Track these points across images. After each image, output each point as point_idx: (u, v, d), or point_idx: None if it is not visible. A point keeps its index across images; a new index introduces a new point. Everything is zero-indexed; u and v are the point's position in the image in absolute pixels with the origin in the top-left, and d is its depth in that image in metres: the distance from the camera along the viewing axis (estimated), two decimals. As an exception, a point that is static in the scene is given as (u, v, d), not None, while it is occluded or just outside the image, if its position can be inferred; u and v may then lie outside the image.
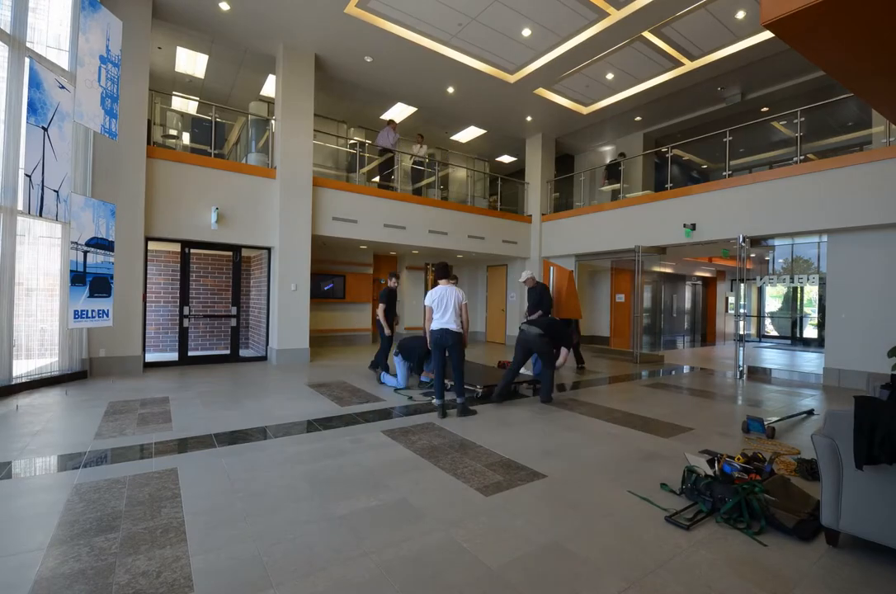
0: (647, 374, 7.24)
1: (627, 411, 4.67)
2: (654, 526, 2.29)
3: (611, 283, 10.72)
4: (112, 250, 5.67)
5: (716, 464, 2.74)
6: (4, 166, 4.65)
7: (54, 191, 4.88)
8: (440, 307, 4.44)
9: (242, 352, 7.73)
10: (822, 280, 6.99)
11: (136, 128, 6.13)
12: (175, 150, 7.21)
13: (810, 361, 8.98)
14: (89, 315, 5.27)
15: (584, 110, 9.55)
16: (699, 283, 13.82)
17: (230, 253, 7.47)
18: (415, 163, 8.86)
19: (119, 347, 6.07)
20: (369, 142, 9.54)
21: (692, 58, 7.55)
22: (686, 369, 8.05)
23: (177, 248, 7.13)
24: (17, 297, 4.89)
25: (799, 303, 12.51)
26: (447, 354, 4.49)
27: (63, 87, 4.91)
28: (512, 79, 8.27)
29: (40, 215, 4.74)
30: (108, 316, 5.56)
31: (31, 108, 4.49)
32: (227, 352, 7.48)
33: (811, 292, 11.83)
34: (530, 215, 10.93)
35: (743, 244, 7.04)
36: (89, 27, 5.03)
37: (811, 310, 12.23)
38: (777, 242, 8.34)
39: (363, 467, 2.97)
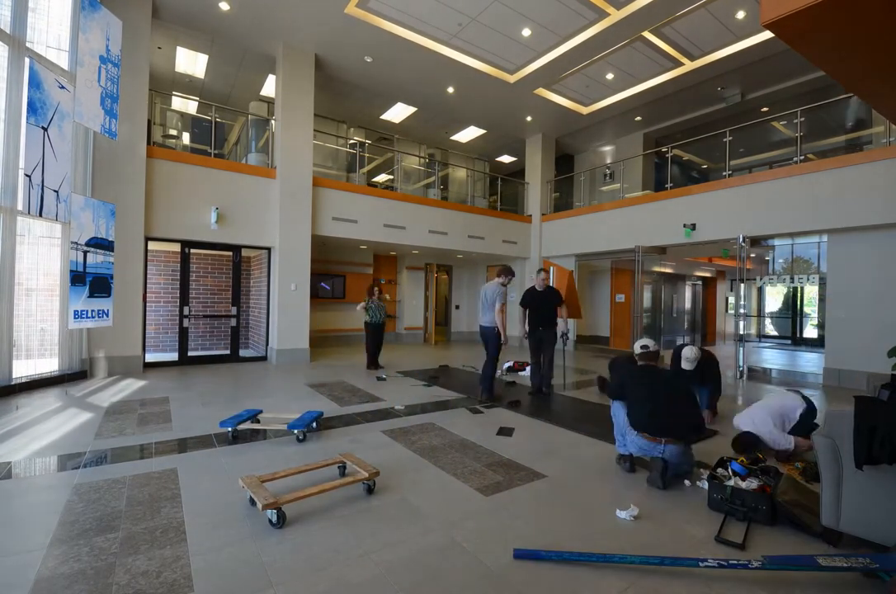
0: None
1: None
2: (654, 525, 2.28)
3: (611, 283, 10.72)
4: (112, 250, 5.67)
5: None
6: (4, 166, 4.65)
7: (54, 191, 4.88)
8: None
9: (242, 353, 7.73)
10: (822, 280, 6.99)
11: (136, 128, 6.13)
12: (175, 150, 7.21)
13: (810, 361, 8.97)
14: (89, 315, 5.27)
15: (584, 110, 9.55)
16: (699, 283, 13.80)
17: (230, 253, 7.47)
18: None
19: (119, 347, 6.07)
20: (369, 142, 9.56)
21: (692, 58, 7.55)
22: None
23: (177, 248, 7.13)
24: (17, 297, 4.89)
25: (799, 303, 12.51)
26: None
27: (63, 87, 4.91)
28: (512, 79, 8.27)
29: (40, 215, 4.74)
30: (107, 316, 5.56)
31: (31, 108, 4.49)
32: (227, 352, 7.48)
33: (811, 292, 11.83)
34: (530, 215, 10.93)
35: (743, 244, 7.03)
36: (89, 27, 5.03)
37: (811, 310, 12.23)
38: (777, 242, 8.34)
39: (363, 467, 2.96)
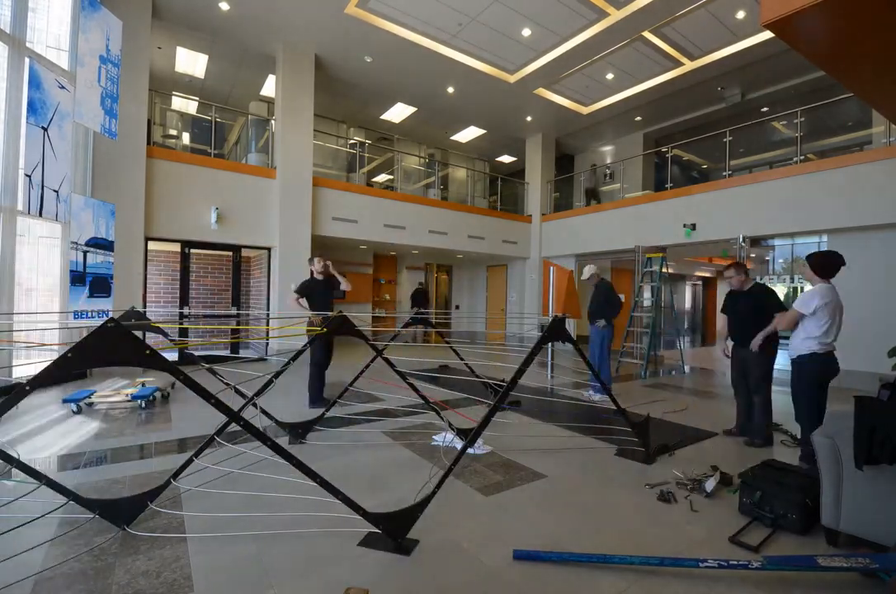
0: (648, 374, 7.24)
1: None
2: (653, 525, 2.29)
3: (610, 282, 10.69)
4: (112, 250, 5.67)
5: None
6: (4, 166, 4.65)
7: (54, 191, 4.88)
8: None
9: (242, 353, 7.72)
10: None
11: (136, 128, 6.13)
12: (175, 150, 7.21)
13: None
14: (89, 315, 5.26)
15: (584, 110, 9.55)
16: (699, 283, 13.80)
17: (230, 253, 7.47)
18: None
19: (119, 347, 6.06)
20: (369, 142, 9.56)
21: (692, 58, 7.54)
22: (686, 369, 8.04)
23: (177, 247, 7.12)
24: (17, 297, 4.89)
25: (799, 303, 12.47)
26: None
27: (63, 87, 4.91)
28: (512, 79, 8.27)
29: (40, 215, 4.74)
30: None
31: (31, 108, 4.49)
32: (227, 352, 7.48)
33: (811, 292, 11.79)
34: (530, 215, 10.93)
35: (743, 244, 7.03)
36: (89, 27, 5.03)
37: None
38: (777, 242, 8.33)
39: (363, 467, 2.96)
